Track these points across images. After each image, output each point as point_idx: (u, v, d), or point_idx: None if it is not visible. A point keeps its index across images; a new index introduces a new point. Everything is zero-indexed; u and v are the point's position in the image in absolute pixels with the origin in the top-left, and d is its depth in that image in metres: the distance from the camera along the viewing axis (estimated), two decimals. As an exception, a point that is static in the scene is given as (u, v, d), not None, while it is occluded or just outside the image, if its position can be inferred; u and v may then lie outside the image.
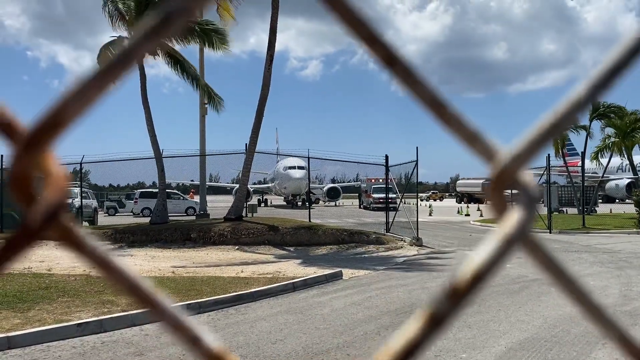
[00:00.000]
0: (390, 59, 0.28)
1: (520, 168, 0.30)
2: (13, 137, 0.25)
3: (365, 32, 0.27)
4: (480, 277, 0.29)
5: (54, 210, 0.25)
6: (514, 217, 0.30)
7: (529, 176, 0.30)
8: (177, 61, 22.81)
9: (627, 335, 0.31)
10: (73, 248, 0.26)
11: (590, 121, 33.38)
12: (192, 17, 0.26)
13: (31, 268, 12.13)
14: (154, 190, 30.12)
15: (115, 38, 21.97)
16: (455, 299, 0.27)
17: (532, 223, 0.30)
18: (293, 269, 12.68)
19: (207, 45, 22.44)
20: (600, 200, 45.19)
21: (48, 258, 14.23)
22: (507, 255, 0.30)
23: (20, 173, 0.25)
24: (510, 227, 0.30)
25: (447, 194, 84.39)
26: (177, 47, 22.62)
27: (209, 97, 23.57)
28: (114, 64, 0.24)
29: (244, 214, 21.61)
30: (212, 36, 21.62)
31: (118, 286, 0.27)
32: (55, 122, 0.25)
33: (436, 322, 0.26)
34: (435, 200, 68.14)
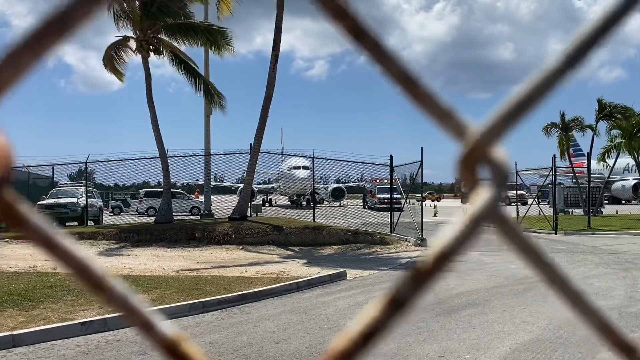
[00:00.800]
0: (358, 32, 0.27)
1: (492, 144, 0.29)
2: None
3: (331, 4, 0.26)
4: (444, 257, 0.27)
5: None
6: (482, 195, 0.29)
7: (501, 153, 0.29)
8: (181, 61, 22.86)
9: (607, 322, 0.30)
10: (15, 225, 0.25)
11: (597, 121, 33.24)
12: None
13: (36, 267, 12.18)
14: (158, 189, 30.21)
15: (121, 38, 22.02)
16: (418, 280, 0.26)
17: (501, 200, 0.29)
18: (297, 268, 12.67)
19: (211, 47, 22.48)
20: (606, 201, 44.97)
21: (53, 257, 14.28)
22: (475, 235, 0.28)
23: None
24: (479, 206, 0.28)
25: (443, 194, 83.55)
26: (183, 47, 22.68)
27: (212, 97, 23.60)
28: (46, 29, 0.22)
29: (248, 213, 21.62)
30: (216, 37, 21.65)
31: (64, 268, 0.26)
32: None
33: (397, 305, 0.25)
34: (432, 200, 67.43)
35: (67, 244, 0.26)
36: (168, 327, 0.28)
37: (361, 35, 0.27)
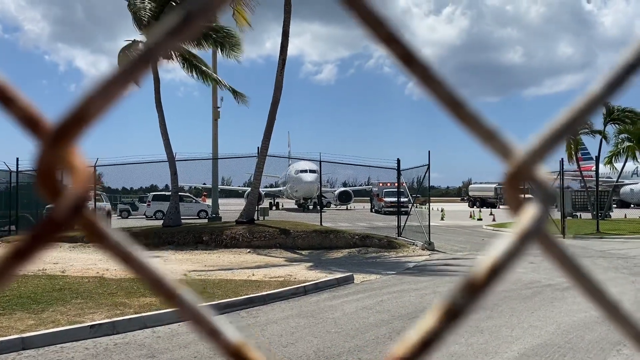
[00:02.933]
0: (408, 58, 0.28)
1: (536, 165, 0.30)
2: (39, 133, 0.26)
3: (383, 32, 0.28)
4: (496, 271, 0.29)
5: (78, 203, 0.25)
6: (530, 213, 0.30)
7: (545, 173, 0.30)
8: (192, 64, 22.95)
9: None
10: (96, 240, 0.26)
11: (605, 125, 33.09)
12: (211, 18, 0.26)
13: (45, 270, 12.26)
14: (166, 193, 30.32)
15: (131, 42, 22.15)
16: (472, 292, 0.28)
17: (547, 219, 0.30)
18: (304, 272, 12.67)
19: (220, 51, 22.58)
20: (615, 205, 44.68)
21: (62, 260, 14.37)
22: (523, 251, 0.30)
23: (46, 168, 0.25)
24: (526, 223, 0.30)
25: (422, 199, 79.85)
26: (194, 50, 22.75)
27: (234, 93, 23.72)
28: (136, 63, 0.24)
29: (255, 217, 21.65)
30: (225, 41, 21.75)
31: (140, 279, 0.27)
32: (79, 118, 0.25)
33: (452, 316, 0.26)
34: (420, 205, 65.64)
35: (142, 257, 0.27)
36: (233, 333, 0.30)
37: (411, 60, 0.29)
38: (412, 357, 0.25)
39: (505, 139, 0.31)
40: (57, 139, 0.26)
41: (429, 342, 0.26)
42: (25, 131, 0.26)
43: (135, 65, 0.25)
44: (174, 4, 20.61)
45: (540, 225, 0.30)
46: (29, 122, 0.26)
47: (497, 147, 0.31)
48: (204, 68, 23.36)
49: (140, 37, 21.72)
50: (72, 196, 0.25)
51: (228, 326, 0.30)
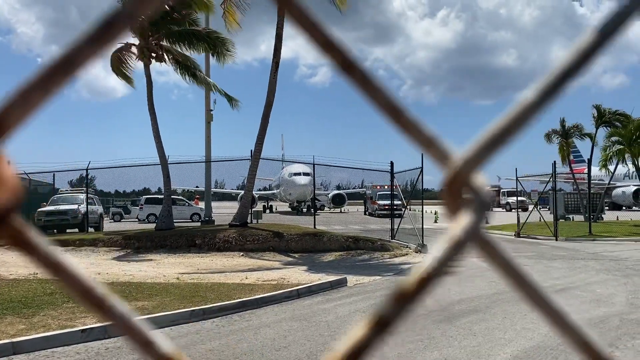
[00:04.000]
0: (347, 65, 0.28)
1: (472, 172, 0.30)
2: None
3: (321, 37, 0.27)
4: (427, 280, 0.29)
5: (3, 212, 0.25)
6: (463, 220, 0.30)
7: (481, 180, 0.30)
8: (185, 66, 22.90)
9: (586, 339, 0.31)
10: (23, 250, 0.26)
11: (597, 128, 33.29)
12: (135, 23, 0.26)
13: (36, 274, 12.17)
14: (159, 196, 30.22)
15: (123, 44, 22.08)
16: (402, 302, 0.27)
17: (482, 225, 0.30)
18: (298, 275, 12.65)
19: (213, 54, 22.57)
20: (607, 208, 44.89)
21: (53, 264, 14.28)
22: (456, 258, 0.30)
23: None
24: (460, 230, 0.30)
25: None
26: (187, 52, 22.70)
27: (227, 97, 23.68)
28: (55, 70, 0.24)
29: (249, 220, 21.62)
30: (217, 45, 21.74)
31: (69, 290, 0.27)
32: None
33: (382, 326, 0.26)
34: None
35: (72, 267, 0.27)
36: (166, 344, 0.30)
37: (350, 67, 0.28)
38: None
39: (443, 146, 0.30)
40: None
41: (357, 352, 0.26)
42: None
43: (54, 73, 0.24)
44: (167, 7, 20.56)
45: (475, 231, 0.29)
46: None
47: (436, 154, 0.30)
48: (197, 72, 23.34)
49: (132, 39, 21.66)
50: (-3, 205, 0.25)
51: (161, 337, 0.30)
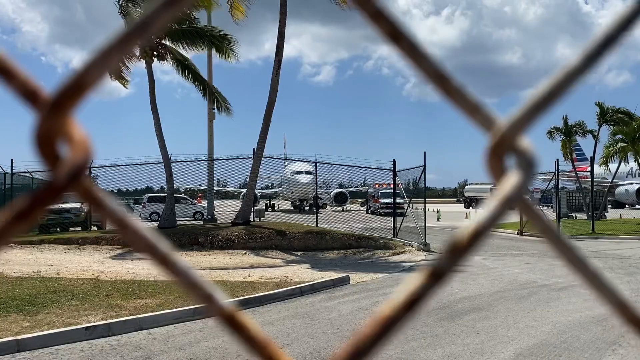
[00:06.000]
0: (395, 34, 0.29)
1: (518, 135, 0.31)
2: (37, 103, 0.27)
3: (370, 8, 0.29)
4: (478, 234, 0.30)
5: (76, 170, 0.26)
6: (511, 179, 0.31)
7: (526, 143, 0.31)
8: (184, 66, 22.96)
9: (626, 302, 0.32)
10: (94, 206, 0.27)
11: (599, 126, 33.25)
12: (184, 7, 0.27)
13: (40, 272, 12.21)
14: (162, 194, 30.25)
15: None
16: (455, 254, 0.28)
17: (528, 185, 0.31)
18: (300, 273, 12.67)
19: (216, 52, 22.59)
20: (610, 206, 44.89)
21: (57, 262, 14.33)
22: (504, 215, 0.31)
23: (45, 135, 0.26)
24: (508, 189, 0.31)
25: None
26: (186, 53, 22.74)
27: (217, 102, 23.68)
28: (129, 35, 0.25)
29: (251, 218, 21.64)
30: (220, 43, 21.75)
31: (134, 245, 0.28)
32: (75, 88, 0.26)
33: (437, 276, 0.27)
34: (362, 205, 62.38)
35: (137, 225, 0.28)
36: (225, 299, 0.31)
37: (398, 37, 0.29)
38: (399, 315, 0.26)
39: (488, 112, 0.32)
40: (54, 109, 0.26)
41: (414, 300, 0.27)
42: (24, 102, 0.27)
43: (128, 38, 0.26)
44: None
45: (520, 192, 0.31)
46: (28, 93, 0.27)
47: (481, 120, 0.32)
48: (197, 72, 23.36)
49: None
50: (70, 163, 0.26)
51: (220, 293, 0.31)
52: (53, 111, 0.26)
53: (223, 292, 0.31)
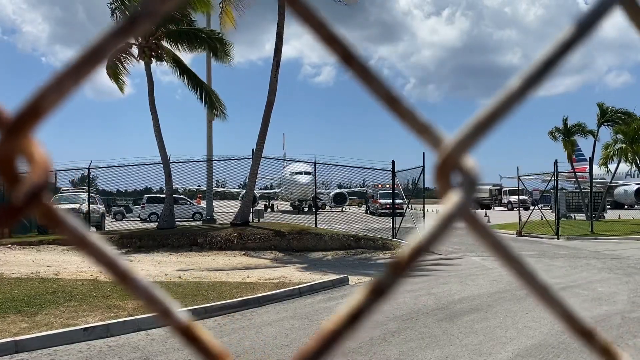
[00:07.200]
0: (347, 56, 0.30)
1: (463, 154, 0.32)
2: (-1, 124, 0.28)
3: (324, 32, 0.30)
4: (418, 252, 0.31)
5: (37, 190, 0.27)
6: (453, 198, 0.32)
7: (471, 162, 0.32)
8: (183, 68, 22.97)
9: (570, 311, 0.33)
10: (54, 226, 0.28)
11: (599, 126, 33.27)
12: (157, 20, 0.28)
13: (39, 273, 12.22)
14: (161, 195, 30.28)
15: (123, 44, 22.12)
16: (396, 271, 0.30)
17: (471, 202, 0.32)
18: (299, 274, 12.68)
19: (214, 55, 22.62)
20: (609, 206, 44.91)
21: (56, 263, 14.33)
22: (445, 233, 0.32)
23: (5, 156, 0.27)
24: (449, 208, 0.32)
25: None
26: (185, 55, 22.75)
27: (213, 106, 23.67)
28: (86, 59, 0.26)
29: (250, 219, 21.67)
30: (217, 46, 21.78)
31: (95, 263, 0.29)
32: (35, 110, 0.27)
33: (378, 293, 0.28)
34: (359, 206, 61.50)
35: (97, 242, 0.29)
36: (182, 313, 0.32)
37: (350, 59, 0.31)
38: (341, 329, 0.27)
39: (436, 132, 0.33)
40: (14, 129, 0.27)
41: (356, 316, 0.28)
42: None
43: (86, 62, 0.27)
44: None
45: (464, 209, 0.32)
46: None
47: (430, 140, 0.33)
48: (194, 74, 23.38)
49: (132, 39, 21.71)
50: (30, 183, 0.27)
51: (178, 307, 0.32)
52: (13, 132, 0.27)
53: (179, 306, 0.32)
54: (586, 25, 0.30)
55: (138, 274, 0.30)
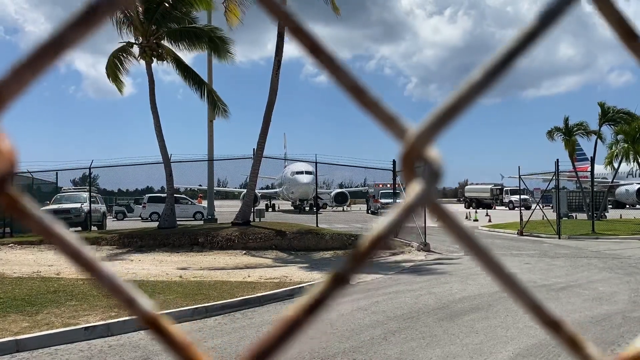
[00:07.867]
0: (314, 48, 0.31)
1: (426, 145, 0.32)
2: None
3: (291, 23, 0.30)
4: (377, 240, 0.31)
5: (1, 179, 0.27)
6: (415, 188, 0.33)
7: (434, 152, 0.33)
8: (184, 67, 22.98)
9: (536, 302, 0.33)
10: (19, 215, 0.28)
11: (600, 126, 33.24)
12: (117, 11, 0.28)
13: (40, 272, 12.24)
14: (162, 195, 30.31)
15: (124, 44, 22.13)
16: (357, 259, 0.30)
17: (433, 192, 0.33)
18: (300, 273, 12.69)
19: (214, 53, 22.62)
20: (610, 206, 44.84)
21: (57, 262, 14.35)
22: (404, 222, 0.32)
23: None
24: (410, 197, 0.32)
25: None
26: (186, 54, 22.76)
27: (215, 104, 23.68)
28: (43, 51, 0.26)
29: (251, 218, 21.67)
30: (218, 44, 21.78)
31: (60, 253, 0.29)
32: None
33: (339, 281, 0.28)
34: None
35: (62, 232, 0.29)
36: (147, 303, 0.32)
37: (317, 50, 0.31)
38: (302, 317, 0.28)
39: (401, 123, 0.33)
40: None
41: (317, 303, 0.28)
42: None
43: (43, 54, 0.27)
44: (167, 5, 20.63)
45: (426, 198, 0.32)
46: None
47: (396, 130, 0.33)
48: (195, 72, 23.39)
49: (133, 39, 21.74)
50: (-6, 174, 0.27)
51: (143, 297, 0.32)
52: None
53: (145, 296, 0.32)
54: (549, 16, 0.30)
55: (102, 263, 0.30)
